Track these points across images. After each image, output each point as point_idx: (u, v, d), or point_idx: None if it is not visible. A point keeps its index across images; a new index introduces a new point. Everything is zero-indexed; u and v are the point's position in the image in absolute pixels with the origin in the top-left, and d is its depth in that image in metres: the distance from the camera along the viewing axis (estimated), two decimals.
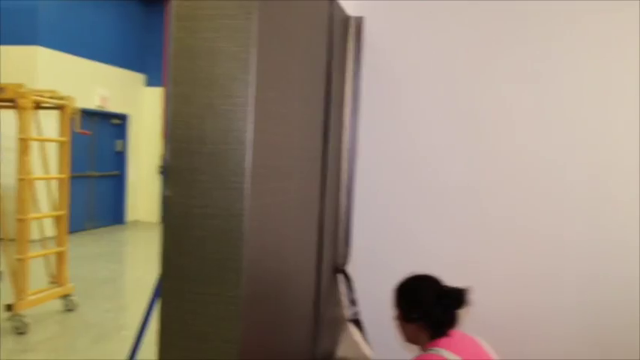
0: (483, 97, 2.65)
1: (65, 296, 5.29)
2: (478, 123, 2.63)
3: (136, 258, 8.72)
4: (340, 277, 2.69)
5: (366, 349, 2.62)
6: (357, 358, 2.62)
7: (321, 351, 2.43)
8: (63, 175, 5.30)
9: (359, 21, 2.70)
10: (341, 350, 2.65)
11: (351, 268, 2.74)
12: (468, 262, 2.67)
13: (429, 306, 1.86)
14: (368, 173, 2.77)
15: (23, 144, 4.71)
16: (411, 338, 1.93)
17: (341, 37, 2.56)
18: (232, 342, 1.52)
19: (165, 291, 1.58)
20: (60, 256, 5.33)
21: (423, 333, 1.86)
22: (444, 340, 1.83)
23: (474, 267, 2.66)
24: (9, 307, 4.61)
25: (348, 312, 2.66)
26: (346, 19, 2.65)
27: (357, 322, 2.63)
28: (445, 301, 1.86)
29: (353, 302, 2.68)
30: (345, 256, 2.73)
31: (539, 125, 2.62)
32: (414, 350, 1.89)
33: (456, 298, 1.86)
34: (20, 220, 4.74)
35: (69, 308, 5.29)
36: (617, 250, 2.57)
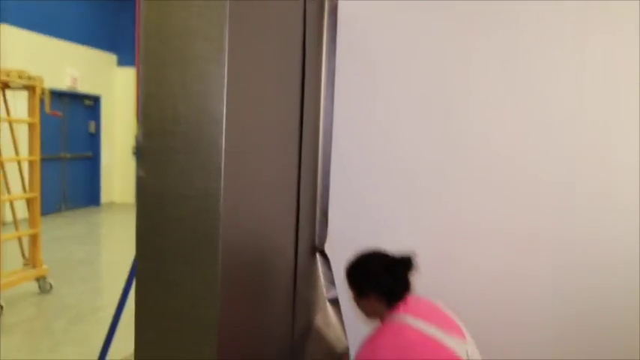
0: (457, 83, 2.65)
1: (40, 278, 5.24)
2: (452, 109, 2.63)
3: (111, 239, 8.64)
4: (318, 258, 2.71)
5: (342, 330, 2.66)
6: (333, 338, 2.66)
7: (298, 330, 2.46)
8: (34, 157, 5.21)
9: (334, 2, 2.68)
10: (317, 330, 2.68)
11: (328, 249, 2.76)
12: (443, 248, 2.69)
13: (378, 276, 1.92)
14: (344, 156, 2.77)
15: None
16: (369, 313, 1.97)
17: (316, 18, 2.54)
18: (210, 322, 1.53)
19: (141, 272, 1.58)
20: (33, 238, 5.27)
21: (379, 304, 1.91)
22: (401, 307, 1.87)
23: (447, 252, 2.68)
24: None
25: (327, 292, 2.69)
26: (322, 0, 2.63)
27: (335, 303, 2.66)
28: (393, 269, 1.92)
29: (332, 282, 2.71)
30: (323, 237, 2.75)
31: (512, 113, 2.63)
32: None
33: (403, 264, 1.92)
34: None
35: (44, 290, 5.25)
36: (591, 239, 2.62)
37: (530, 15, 2.59)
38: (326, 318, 2.68)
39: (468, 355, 1.81)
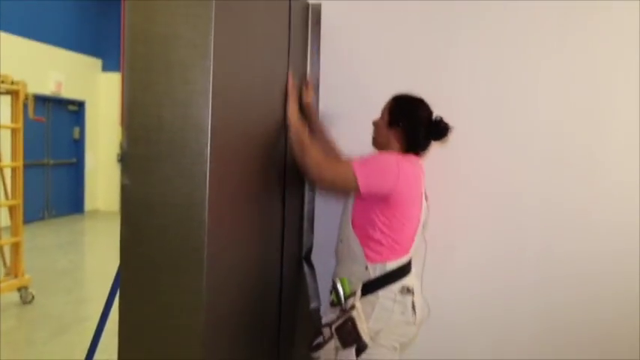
0: (441, 83, 2.64)
1: (21, 288, 5.15)
2: (438, 108, 2.62)
3: (95, 248, 8.55)
4: (305, 268, 2.68)
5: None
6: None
7: (284, 340, 2.44)
8: (16, 163, 5.14)
9: (317, 8, 2.67)
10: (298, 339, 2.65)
11: (314, 257, 2.73)
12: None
13: (418, 122, 2.07)
14: None
15: None
16: (380, 141, 2.14)
17: (301, 24, 2.54)
18: (195, 332, 1.50)
19: (125, 281, 1.55)
20: (15, 247, 5.18)
21: (397, 143, 2.08)
22: (410, 156, 2.08)
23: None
24: None
25: (310, 303, 2.65)
26: (306, 6, 2.62)
27: (316, 312, 2.63)
28: (433, 127, 2.07)
29: (316, 294, 2.69)
30: (309, 246, 2.73)
31: (496, 111, 2.65)
32: None
33: (443, 129, 2.07)
34: None
35: (26, 300, 5.16)
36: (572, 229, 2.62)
37: (510, 13, 2.59)
38: (307, 328, 2.64)
39: (423, 221, 2.15)
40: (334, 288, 2.08)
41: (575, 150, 2.60)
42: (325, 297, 2.64)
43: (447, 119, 2.10)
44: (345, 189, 2.07)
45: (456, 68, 2.66)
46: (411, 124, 2.07)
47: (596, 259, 2.60)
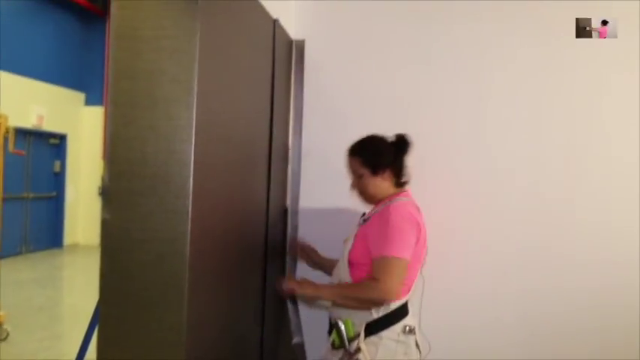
0: (424, 119, 2.68)
1: None
2: (420, 146, 2.66)
3: (73, 283, 8.38)
4: (288, 302, 2.66)
5: None
6: None
7: None
8: None
9: (301, 44, 2.73)
10: None
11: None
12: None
13: (391, 152, 2.09)
14: (312, 196, 2.77)
15: None
16: (375, 191, 2.11)
17: (284, 59, 2.58)
18: None
19: (104, 317, 1.53)
20: None
21: (388, 182, 2.10)
22: (405, 194, 2.09)
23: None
24: None
25: (293, 338, 2.62)
26: (289, 43, 2.67)
27: (300, 347, 2.59)
28: (399, 146, 2.10)
29: (299, 328, 2.66)
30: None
31: (478, 149, 2.69)
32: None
33: (404, 141, 2.11)
34: None
35: (0, 337, 5.02)
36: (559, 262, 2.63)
37: (488, 45, 2.65)
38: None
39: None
40: (337, 330, 2.02)
41: (557, 185, 2.63)
42: (307, 332, 2.62)
43: (410, 137, 2.16)
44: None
45: (439, 104, 2.70)
46: (388, 158, 2.09)
47: (583, 294, 2.61)
